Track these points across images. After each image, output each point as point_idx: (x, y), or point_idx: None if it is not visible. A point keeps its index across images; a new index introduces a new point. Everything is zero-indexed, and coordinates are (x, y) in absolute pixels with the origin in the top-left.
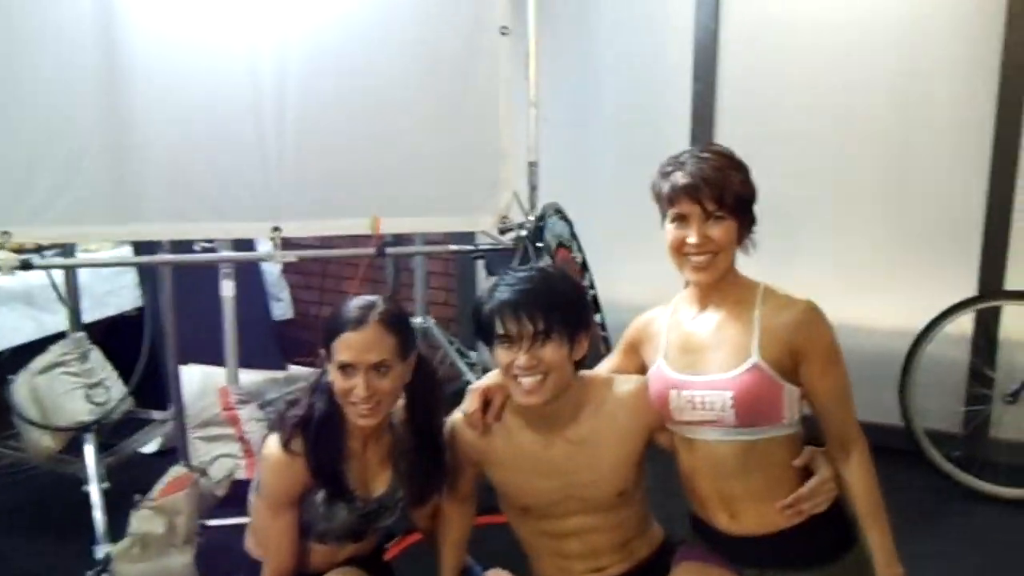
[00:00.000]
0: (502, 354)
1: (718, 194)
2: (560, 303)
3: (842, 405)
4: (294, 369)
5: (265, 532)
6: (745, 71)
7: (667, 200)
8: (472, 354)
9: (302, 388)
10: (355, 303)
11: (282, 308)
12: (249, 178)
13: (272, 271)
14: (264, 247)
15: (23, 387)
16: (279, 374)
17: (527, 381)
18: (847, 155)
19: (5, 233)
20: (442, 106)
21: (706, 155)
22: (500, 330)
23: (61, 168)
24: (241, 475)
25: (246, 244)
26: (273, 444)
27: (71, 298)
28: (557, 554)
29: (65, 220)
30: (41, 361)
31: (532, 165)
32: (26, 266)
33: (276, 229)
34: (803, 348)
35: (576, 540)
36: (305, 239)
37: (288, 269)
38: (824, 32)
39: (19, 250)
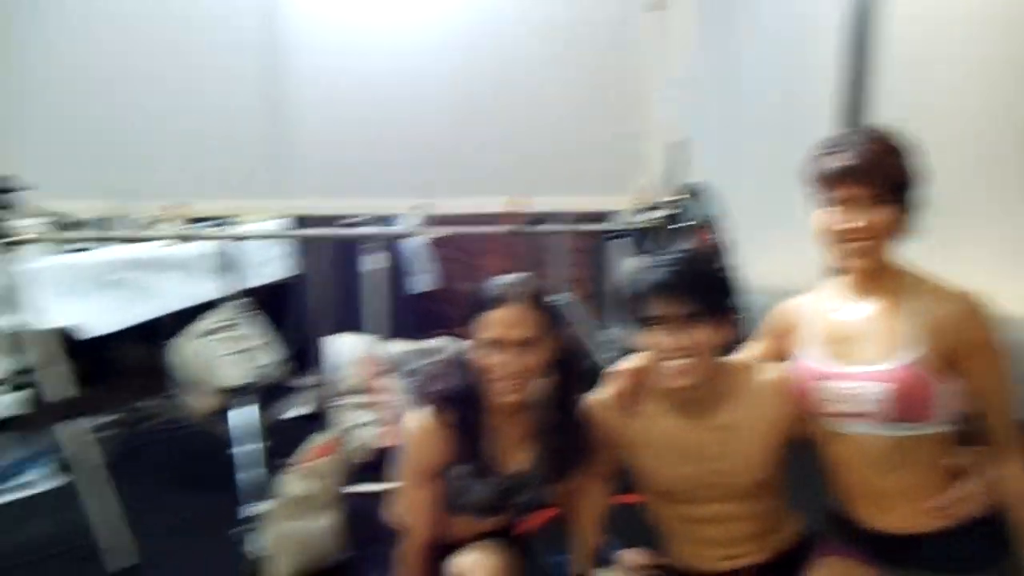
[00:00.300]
0: (651, 336)
1: (879, 178)
2: (710, 286)
3: (1003, 404)
4: (435, 341)
5: (407, 502)
6: (904, 42)
7: (825, 183)
8: (607, 332)
9: (443, 360)
10: (502, 281)
11: (422, 281)
12: (400, 156)
13: (413, 245)
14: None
15: (183, 350)
16: (421, 345)
17: (675, 364)
18: (1015, 132)
19: (181, 204)
20: (586, 86)
21: (868, 137)
22: (650, 312)
23: (227, 146)
24: (382, 443)
25: (387, 219)
26: (417, 417)
27: (229, 267)
28: (694, 539)
29: (229, 194)
30: (201, 326)
31: (676, 144)
32: (192, 236)
33: (423, 205)
34: (963, 343)
35: (714, 527)
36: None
37: (429, 243)
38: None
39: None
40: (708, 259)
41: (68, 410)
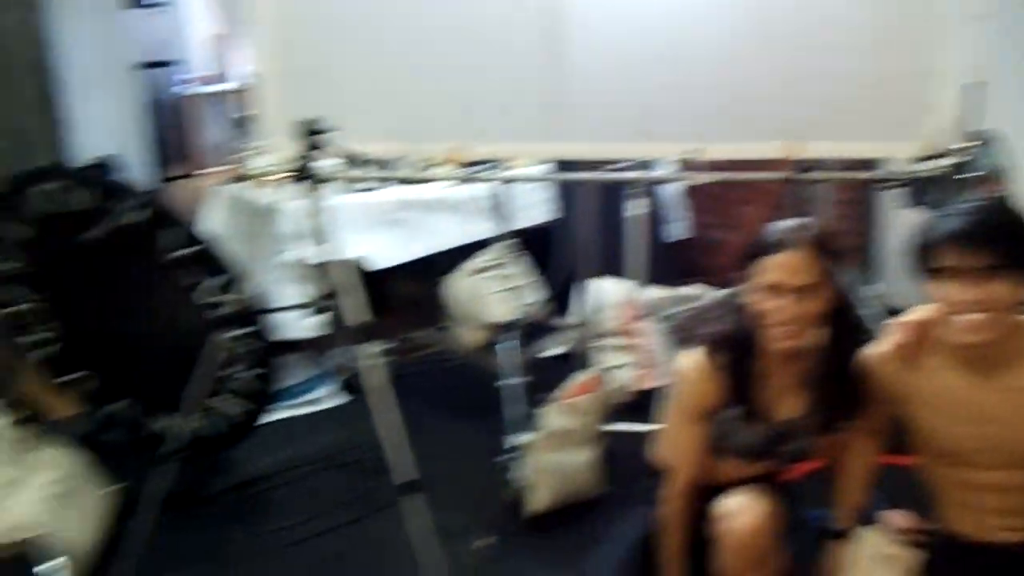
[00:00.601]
0: (944, 288)
1: None
2: (1011, 238)
3: None
4: (692, 288)
5: (675, 441)
6: None
7: None
8: (872, 288)
9: (706, 306)
10: (786, 225)
11: (678, 228)
12: (673, 101)
13: (670, 192)
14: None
15: (456, 286)
16: (679, 291)
17: (968, 318)
18: None
19: (462, 147)
20: (872, 22)
21: None
22: (945, 263)
23: (505, 92)
24: (638, 386)
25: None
26: (691, 358)
27: (499, 209)
28: (971, 506)
29: (505, 138)
30: (473, 264)
31: (972, 86)
32: (467, 179)
33: (694, 151)
34: None
35: (995, 495)
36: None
37: (686, 191)
38: None
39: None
40: (1011, 211)
41: (362, 334)
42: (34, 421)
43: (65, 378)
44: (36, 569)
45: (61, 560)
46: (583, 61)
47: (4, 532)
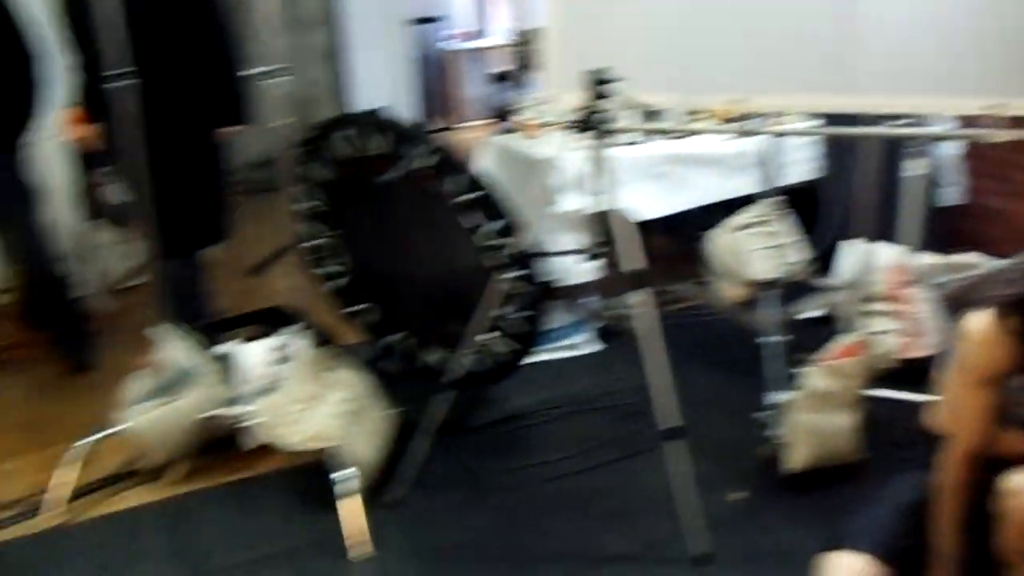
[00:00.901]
0: None
1: None
2: None
3: None
4: (964, 256)
5: (958, 407)
6: None
7: None
8: None
9: (984, 274)
10: None
11: (952, 194)
12: (974, 50)
13: (947, 154)
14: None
15: (719, 241)
16: (952, 259)
17: None
18: None
19: (738, 99)
20: None
21: None
22: None
23: (791, 43)
24: (904, 353)
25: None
26: (982, 320)
27: (767, 164)
28: None
29: (787, 89)
30: (737, 220)
31: None
32: (742, 132)
33: (996, 106)
34: None
35: None
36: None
37: (963, 153)
38: None
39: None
40: None
41: (637, 281)
42: (329, 344)
43: (352, 308)
44: (332, 475)
45: (352, 470)
46: (876, 8)
47: (305, 440)
